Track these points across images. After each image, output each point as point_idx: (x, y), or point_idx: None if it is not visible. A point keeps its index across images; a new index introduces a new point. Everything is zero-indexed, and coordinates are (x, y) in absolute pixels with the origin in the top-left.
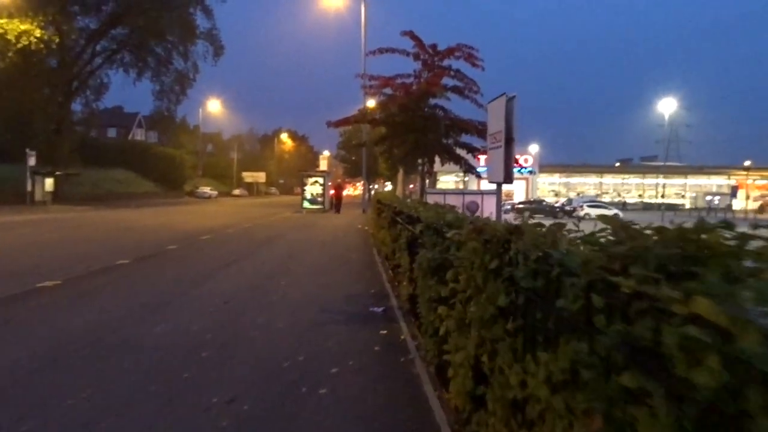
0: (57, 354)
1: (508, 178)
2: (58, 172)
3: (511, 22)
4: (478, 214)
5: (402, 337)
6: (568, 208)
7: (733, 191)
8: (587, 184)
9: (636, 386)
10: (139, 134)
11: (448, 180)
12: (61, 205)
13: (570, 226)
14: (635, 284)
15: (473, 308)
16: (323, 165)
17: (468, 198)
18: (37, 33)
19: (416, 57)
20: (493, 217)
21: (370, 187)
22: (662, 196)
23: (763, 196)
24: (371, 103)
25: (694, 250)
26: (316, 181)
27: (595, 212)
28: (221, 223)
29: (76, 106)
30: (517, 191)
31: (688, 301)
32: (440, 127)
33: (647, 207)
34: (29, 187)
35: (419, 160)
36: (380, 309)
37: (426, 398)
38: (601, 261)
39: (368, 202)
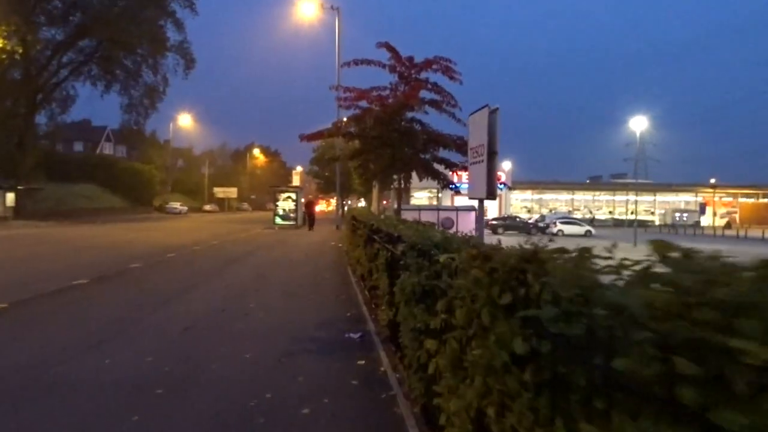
0: None
1: (491, 194)
2: (19, 187)
3: (480, 37)
4: (453, 230)
5: (382, 368)
6: (541, 224)
7: (702, 208)
8: (559, 200)
9: None
10: (107, 148)
11: (421, 196)
12: (24, 220)
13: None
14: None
15: (477, 351)
16: (296, 180)
17: (443, 214)
18: (0, 43)
19: (392, 69)
20: (473, 234)
21: (344, 202)
22: (633, 213)
23: (729, 213)
24: (346, 116)
25: None
26: (289, 197)
27: (568, 229)
28: (189, 240)
29: (41, 118)
30: (491, 208)
31: None
32: (418, 141)
33: (617, 223)
34: None
35: (395, 176)
36: (357, 335)
37: None
38: (679, 307)
39: (342, 218)
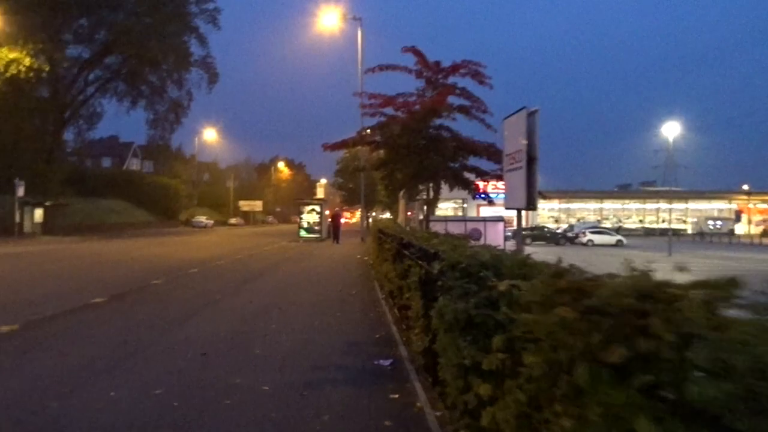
0: None
1: (531, 204)
2: (47, 203)
3: (506, 45)
4: (481, 242)
5: (418, 404)
6: (570, 234)
7: (737, 215)
8: (587, 209)
9: None
10: (134, 164)
11: (446, 207)
12: (51, 236)
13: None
14: None
15: (566, 422)
16: (320, 193)
17: (470, 225)
18: (27, 62)
19: (419, 74)
20: (501, 246)
21: (368, 214)
22: (665, 221)
23: (765, 221)
24: (369, 124)
25: None
26: (313, 210)
27: (598, 239)
28: (213, 254)
29: (69, 135)
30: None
31: None
32: (447, 148)
33: (648, 232)
34: (17, 218)
35: (422, 186)
36: (388, 362)
37: None
38: None
39: (367, 230)
